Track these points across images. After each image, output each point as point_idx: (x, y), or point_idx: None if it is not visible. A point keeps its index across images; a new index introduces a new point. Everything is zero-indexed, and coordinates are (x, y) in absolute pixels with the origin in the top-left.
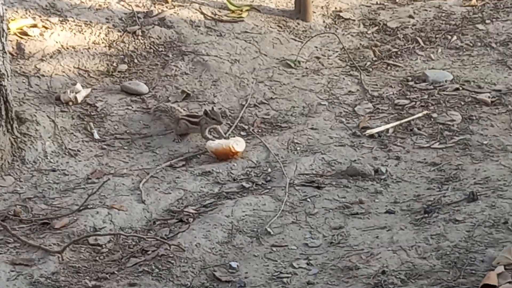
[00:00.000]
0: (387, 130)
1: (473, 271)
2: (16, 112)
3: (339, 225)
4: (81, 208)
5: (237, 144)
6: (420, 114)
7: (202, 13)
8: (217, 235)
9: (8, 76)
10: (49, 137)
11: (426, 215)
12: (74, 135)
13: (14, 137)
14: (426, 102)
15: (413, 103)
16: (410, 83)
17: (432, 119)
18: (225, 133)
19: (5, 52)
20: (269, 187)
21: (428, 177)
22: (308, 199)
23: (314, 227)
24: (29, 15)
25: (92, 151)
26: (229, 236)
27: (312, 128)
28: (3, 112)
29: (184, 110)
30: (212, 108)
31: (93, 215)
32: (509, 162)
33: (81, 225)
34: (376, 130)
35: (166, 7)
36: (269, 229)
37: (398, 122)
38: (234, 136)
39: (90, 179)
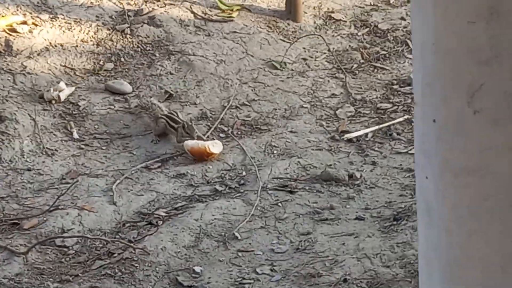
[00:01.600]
0: (366, 134)
1: None
2: None
3: (307, 231)
4: (51, 208)
5: (214, 146)
6: (400, 119)
7: (192, 12)
8: (184, 239)
9: None
10: (27, 136)
11: (395, 222)
12: (54, 134)
13: None
14: (408, 107)
15: (396, 107)
16: (395, 86)
17: (412, 124)
18: (204, 135)
19: None
20: (242, 190)
21: (402, 183)
22: (279, 204)
23: (282, 232)
24: (20, 12)
25: (69, 151)
26: (196, 240)
27: (291, 131)
28: None
29: (165, 109)
30: (190, 122)
31: (63, 216)
32: None
33: (50, 226)
34: (355, 135)
35: (157, 5)
36: (237, 234)
37: (377, 127)
38: (213, 139)
39: (65, 179)
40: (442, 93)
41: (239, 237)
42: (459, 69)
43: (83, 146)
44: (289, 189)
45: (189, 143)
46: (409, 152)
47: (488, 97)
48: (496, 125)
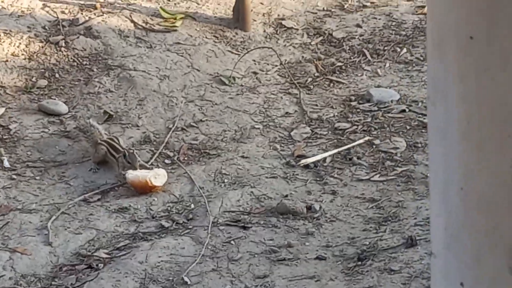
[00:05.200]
0: (324, 159)
1: None
2: None
3: (263, 273)
4: None
5: (156, 177)
6: (361, 141)
7: (132, 21)
8: (128, 285)
9: None
10: None
11: (360, 262)
12: None
13: None
14: (368, 126)
15: (355, 127)
16: (353, 103)
17: (374, 147)
18: (147, 162)
19: None
20: (191, 226)
21: (366, 215)
22: (232, 242)
23: (236, 275)
24: None
25: (0, 182)
26: (141, 286)
27: (242, 157)
28: None
29: (105, 133)
30: (132, 152)
31: None
32: None
33: None
34: (312, 160)
35: (95, 13)
36: (186, 278)
37: (336, 150)
38: (157, 166)
39: None
40: (474, 250)
41: (189, 282)
42: (497, 221)
43: (14, 176)
44: (243, 224)
45: (130, 176)
46: (371, 179)
47: None
48: None
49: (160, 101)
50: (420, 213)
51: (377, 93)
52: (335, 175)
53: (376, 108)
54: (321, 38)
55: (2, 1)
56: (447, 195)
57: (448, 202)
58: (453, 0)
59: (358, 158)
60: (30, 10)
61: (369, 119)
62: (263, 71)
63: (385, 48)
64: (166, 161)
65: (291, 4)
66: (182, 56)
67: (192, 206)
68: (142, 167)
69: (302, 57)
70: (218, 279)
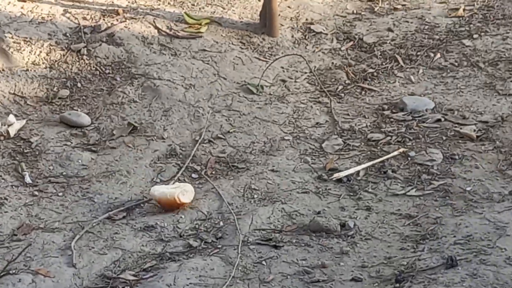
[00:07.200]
0: (358, 172)
1: None
2: None
3: None
4: (1, 274)
5: (184, 194)
6: (395, 153)
7: (156, 27)
8: None
9: None
10: None
11: (398, 284)
12: (3, 179)
13: None
14: (403, 137)
15: (389, 137)
16: (386, 112)
17: (409, 159)
18: (173, 176)
19: None
20: (220, 245)
21: (402, 233)
22: (264, 262)
23: None
24: None
25: (21, 199)
26: None
27: (272, 170)
28: None
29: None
30: None
31: (14, 283)
32: (494, 216)
33: None
34: (345, 174)
35: (117, 19)
36: None
37: (370, 163)
38: (184, 180)
39: (16, 235)
40: None
41: None
42: None
43: (36, 193)
44: (274, 243)
45: (156, 193)
46: (407, 194)
47: None
48: None
49: (186, 111)
50: (460, 230)
51: (410, 102)
52: (369, 190)
53: (410, 118)
54: (351, 43)
55: (22, 7)
56: None
57: None
58: None
59: (393, 171)
60: (50, 17)
61: (403, 129)
62: (292, 78)
63: (418, 53)
64: (193, 175)
65: (319, 8)
66: (208, 63)
67: (221, 223)
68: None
69: (332, 63)
70: None
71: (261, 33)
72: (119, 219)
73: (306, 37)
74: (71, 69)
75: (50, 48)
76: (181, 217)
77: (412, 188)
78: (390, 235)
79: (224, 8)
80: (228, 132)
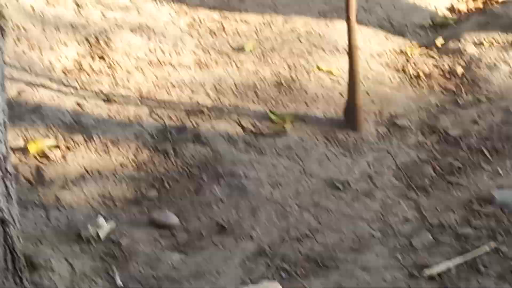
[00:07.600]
0: (449, 269)
1: None
2: (29, 256)
3: None
4: None
5: None
6: (486, 248)
7: (240, 125)
8: None
9: (15, 224)
10: (65, 287)
11: None
12: (94, 282)
13: None
14: (493, 231)
15: (479, 232)
16: (475, 206)
17: (501, 254)
18: (261, 275)
19: (11, 198)
20: None
21: None
22: None
23: None
24: (51, 134)
25: None
26: None
27: (362, 268)
28: (10, 265)
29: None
30: None
31: None
32: None
33: None
34: (436, 270)
35: (202, 119)
36: None
37: (461, 260)
38: (274, 279)
39: None
40: None
41: None
42: None
43: None
44: None
45: None
46: None
47: None
48: None
49: (273, 209)
50: None
51: (500, 195)
52: (462, 287)
53: (500, 211)
54: (436, 136)
55: (109, 110)
56: None
57: None
58: None
59: (485, 266)
60: (137, 118)
61: (493, 224)
62: (378, 174)
63: (504, 145)
64: (282, 273)
65: (402, 101)
66: (293, 161)
67: None
68: None
69: (418, 157)
70: None
71: (345, 128)
72: None
73: (391, 132)
74: (158, 169)
75: (137, 149)
76: None
77: (506, 284)
78: None
79: (307, 105)
80: (316, 229)
